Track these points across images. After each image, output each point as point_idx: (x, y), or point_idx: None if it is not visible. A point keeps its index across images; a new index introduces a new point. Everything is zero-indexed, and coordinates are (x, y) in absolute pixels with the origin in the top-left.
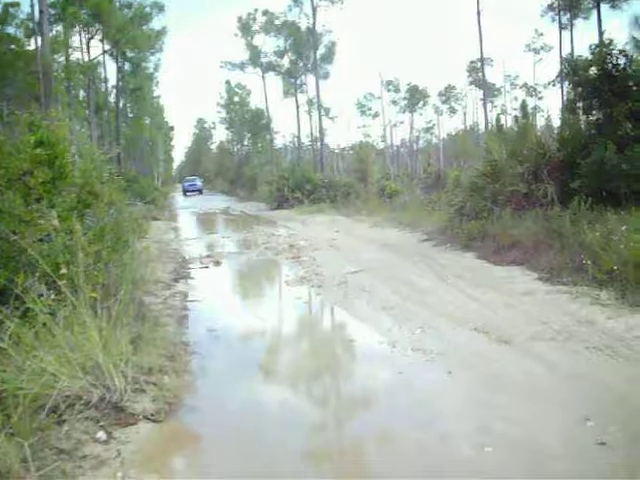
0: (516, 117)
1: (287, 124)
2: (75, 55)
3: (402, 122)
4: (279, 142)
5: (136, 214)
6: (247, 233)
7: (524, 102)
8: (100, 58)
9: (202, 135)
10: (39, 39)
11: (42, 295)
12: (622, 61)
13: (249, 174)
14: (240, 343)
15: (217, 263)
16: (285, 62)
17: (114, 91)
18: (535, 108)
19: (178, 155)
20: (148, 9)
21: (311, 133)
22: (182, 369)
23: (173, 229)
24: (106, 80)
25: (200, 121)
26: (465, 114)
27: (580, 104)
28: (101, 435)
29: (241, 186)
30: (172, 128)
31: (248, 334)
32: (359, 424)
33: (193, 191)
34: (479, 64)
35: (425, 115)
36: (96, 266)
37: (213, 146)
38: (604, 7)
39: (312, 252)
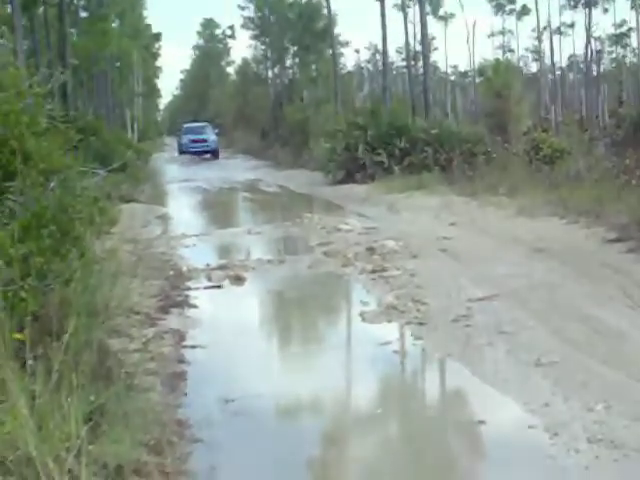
0: None
1: (363, 30)
2: None
3: (571, 25)
4: (349, 62)
5: (95, 191)
6: (291, 226)
7: None
8: None
9: (211, 50)
10: None
11: None
12: None
13: (294, 120)
14: (277, 426)
15: (238, 280)
16: None
17: None
18: None
19: (169, 86)
20: None
21: (406, 45)
22: (176, 469)
23: (160, 218)
24: None
25: (208, 24)
26: None
27: None
28: None
29: (280, 142)
30: (158, 37)
31: (291, 409)
32: None
33: (201, 152)
34: None
35: (614, 12)
36: (25, 282)
37: (230, 69)
38: None
39: (408, 261)
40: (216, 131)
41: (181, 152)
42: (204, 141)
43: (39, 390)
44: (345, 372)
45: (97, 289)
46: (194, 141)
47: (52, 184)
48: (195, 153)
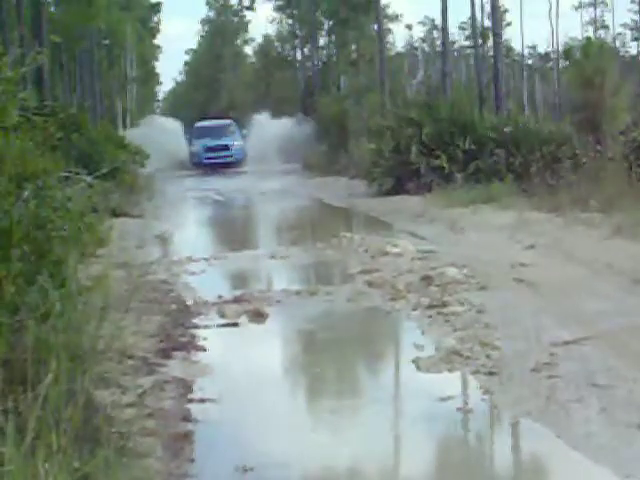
0: None
1: (417, 0)
2: None
3: None
4: (399, 41)
5: (80, 203)
6: (326, 249)
7: None
8: None
9: (224, 25)
10: None
11: None
12: None
13: (330, 113)
14: None
15: (258, 316)
16: None
17: None
18: None
19: (170, 69)
20: None
21: (472, 21)
22: None
23: (160, 237)
24: None
25: None
26: None
27: None
28: None
29: (311, 141)
30: (157, 8)
31: None
32: None
33: (220, 162)
34: None
35: None
36: None
37: (248, 49)
38: None
39: (474, 294)
40: (244, 132)
41: (193, 163)
42: (225, 148)
43: (9, 454)
44: (394, 436)
45: (81, 327)
46: (211, 149)
47: (26, 193)
48: (215, 161)
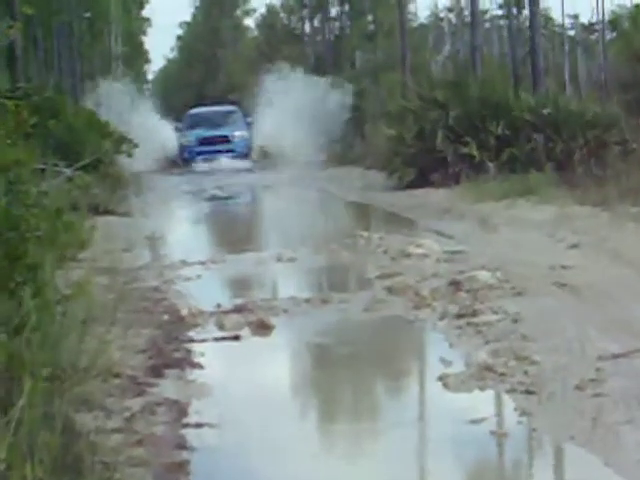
0: None
1: None
2: None
3: None
4: (422, 12)
5: (58, 199)
6: (339, 250)
7: None
8: None
9: None
10: None
11: None
12: None
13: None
14: None
15: (262, 328)
16: None
17: None
18: None
19: (161, 45)
20: None
21: None
22: None
23: (150, 238)
24: None
25: None
26: None
27: None
28: None
29: (322, 127)
30: None
31: None
32: None
33: (217, 153)
34: None
35: None
36: None
37: (249, 21)
38: None
39: (510, 300)
40: (248, 120)
41: (186, 157)
42: (224, 140)
43: None
44: (418, 464)
45: (60, 341)
46: (206, 141)
47: None
48: (211, 155)
